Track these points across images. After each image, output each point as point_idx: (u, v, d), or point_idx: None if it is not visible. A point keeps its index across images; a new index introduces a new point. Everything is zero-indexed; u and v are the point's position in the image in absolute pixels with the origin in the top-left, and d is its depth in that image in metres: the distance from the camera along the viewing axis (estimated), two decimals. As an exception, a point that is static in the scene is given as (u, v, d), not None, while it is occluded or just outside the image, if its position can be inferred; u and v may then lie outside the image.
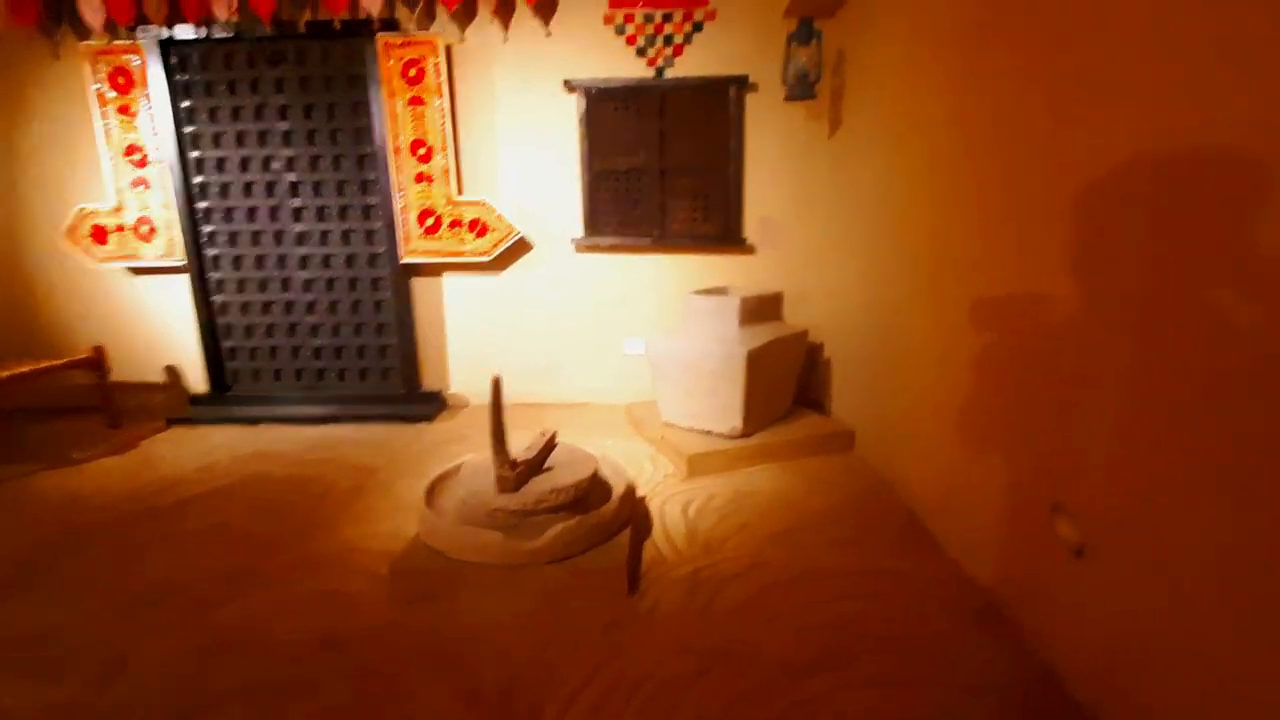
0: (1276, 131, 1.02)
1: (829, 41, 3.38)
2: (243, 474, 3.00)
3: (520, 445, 2.27)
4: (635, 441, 3.36)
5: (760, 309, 3.17)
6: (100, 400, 3.75)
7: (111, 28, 3.59)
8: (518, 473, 2.06)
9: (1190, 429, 1.18)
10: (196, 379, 4.15)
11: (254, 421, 3.83)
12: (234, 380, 4.16)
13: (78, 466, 3.15)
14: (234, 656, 1.71)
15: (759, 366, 2.94)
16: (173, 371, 4.16)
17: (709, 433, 3.11)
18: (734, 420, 3.00)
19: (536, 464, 2.21)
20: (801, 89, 3.30)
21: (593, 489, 2.24)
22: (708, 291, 3.34)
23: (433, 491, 2.31)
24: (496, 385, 2.02)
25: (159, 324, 4.10)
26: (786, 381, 3.35)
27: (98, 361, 3.68)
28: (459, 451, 3.19)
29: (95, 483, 2.93)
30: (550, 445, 2.36)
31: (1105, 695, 1.43)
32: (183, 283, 3.98)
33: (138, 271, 4.02)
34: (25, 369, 3.32)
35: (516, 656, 1.69)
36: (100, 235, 3.86)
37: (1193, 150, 1.18)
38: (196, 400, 4.07)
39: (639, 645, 1.73)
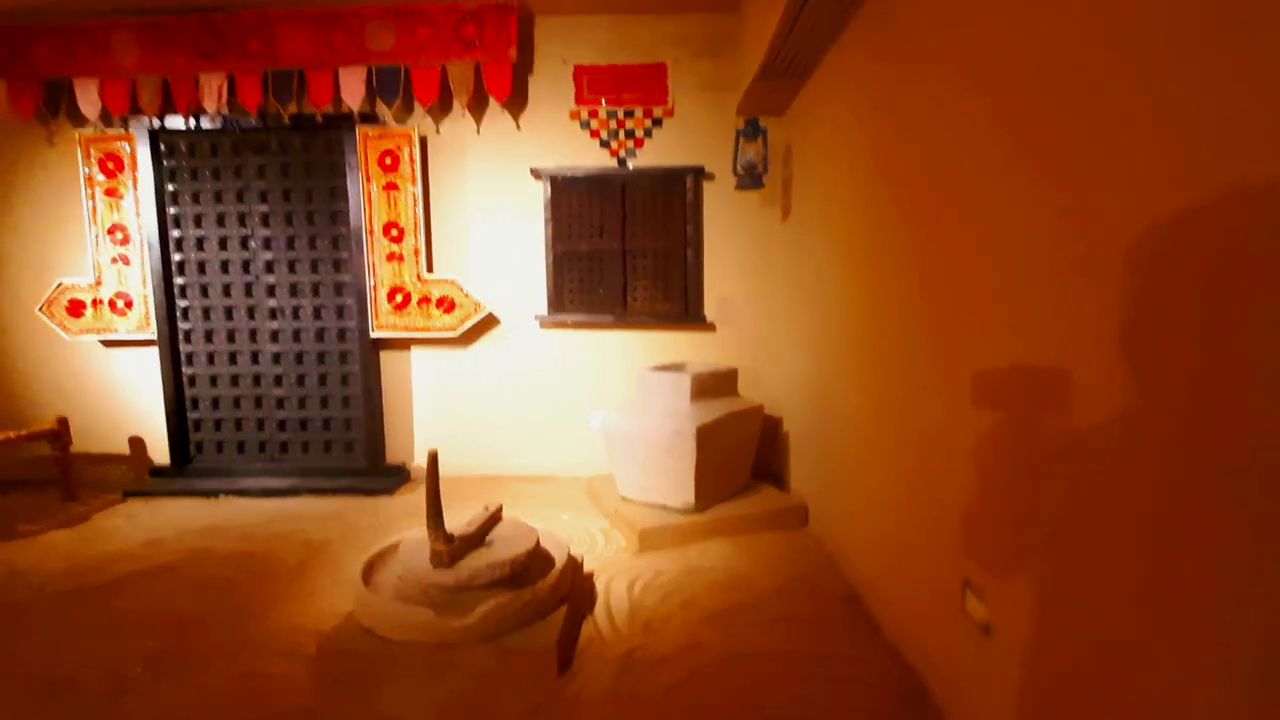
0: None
1: (779, 136, 3.66)
2: (189, 550, 2.96)
3: (466, 519, 2.29)
4: (592, 515, 3.35)
5: (714, 385, 3.25)
6: (59, 472, 3.73)
7: (105, 117, 3.83)
8: (452, 547, 2.07)
9: (1088, 513, 1.24)
10: (160, 451, 4.14)
11: (213, 494, 3.80)
12: (198, 452, 4.15)
13: (24, 540, 3.11)
14: (139, 747, 1.67)
15: (710, 442, 2.99)
16: (135, 443, 4.16)
17: (663, 507, 3.12)
18: (686, 495, 3.03)
19: (476, 539, 2.21)
20: (750, 180, 3.55)
21: (534, 564, 2.23)
22: (663, 367, 3.43)
23: (371, 568, 2.30)
24: (433, 460, 2.06)
25: (127, 396, 4.13)
26: (742, 456, 3.39)
27: (59, 433, 3.68)
28: (414, 525, 3.17)
29: (38, 557, 2.89)
30: (493, 519, 2.37)
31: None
32: (152, 355, 4.05)
33: (109, 344, 4.09)
34: (-17, 441, 3.33)
35: (433, 742, 1.66)
36: (76, 309, 3.96)
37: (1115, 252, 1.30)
38: (157, 472, 4.05)
39: (560, 730, 1.70)
